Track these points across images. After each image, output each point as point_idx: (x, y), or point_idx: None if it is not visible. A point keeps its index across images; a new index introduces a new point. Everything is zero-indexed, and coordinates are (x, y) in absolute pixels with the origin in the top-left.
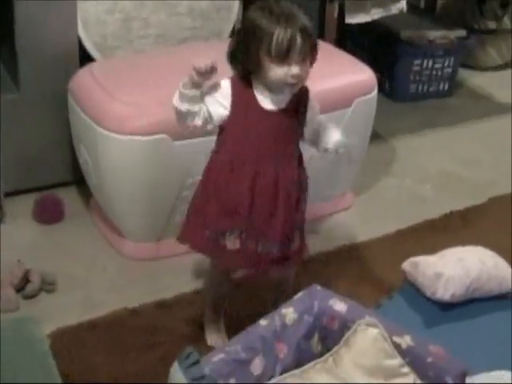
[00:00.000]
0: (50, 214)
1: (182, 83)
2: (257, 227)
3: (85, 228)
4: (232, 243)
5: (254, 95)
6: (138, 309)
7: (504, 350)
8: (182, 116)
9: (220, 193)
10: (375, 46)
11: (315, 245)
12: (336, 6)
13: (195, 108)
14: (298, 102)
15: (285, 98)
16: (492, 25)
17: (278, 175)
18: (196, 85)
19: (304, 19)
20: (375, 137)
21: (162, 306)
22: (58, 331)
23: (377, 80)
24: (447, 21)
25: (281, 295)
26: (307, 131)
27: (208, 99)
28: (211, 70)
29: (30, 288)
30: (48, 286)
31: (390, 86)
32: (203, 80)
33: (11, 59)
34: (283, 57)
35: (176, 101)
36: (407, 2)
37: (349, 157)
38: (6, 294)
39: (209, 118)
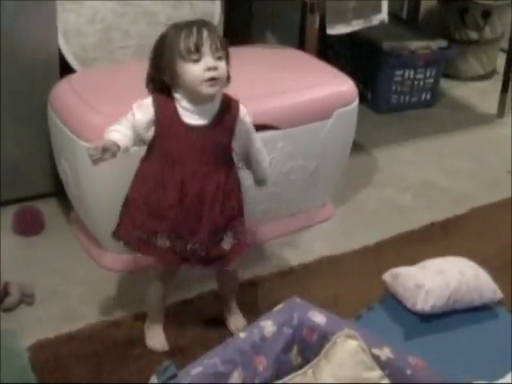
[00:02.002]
0: (29, 226)
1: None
2: (184, 230)
3: (65, 240)
4: (162, 242)
5: (177, 110)
6: (116, 321)
7: (485, 360)
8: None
9: (149, 199)
10: (357, 56)
11: (295, 256)
12: (317, 17)
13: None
14: (226, 117)
15: (210, 112)
16: (473, 35)
17: (204, 185)
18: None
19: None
20: (357, 147)
21: (140, 318)
22: (38, 344)
23: (358, 91)
24: (429, 31)
25: (229, 294)
26: (236, 145)
27: (134, 128)
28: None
29: (9, 301)
30: (27, 298)
31: (372, 96)
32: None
33: None
34: (195, 51)
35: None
36: (389, 13)
37: None
38: None
39: (141, 140)
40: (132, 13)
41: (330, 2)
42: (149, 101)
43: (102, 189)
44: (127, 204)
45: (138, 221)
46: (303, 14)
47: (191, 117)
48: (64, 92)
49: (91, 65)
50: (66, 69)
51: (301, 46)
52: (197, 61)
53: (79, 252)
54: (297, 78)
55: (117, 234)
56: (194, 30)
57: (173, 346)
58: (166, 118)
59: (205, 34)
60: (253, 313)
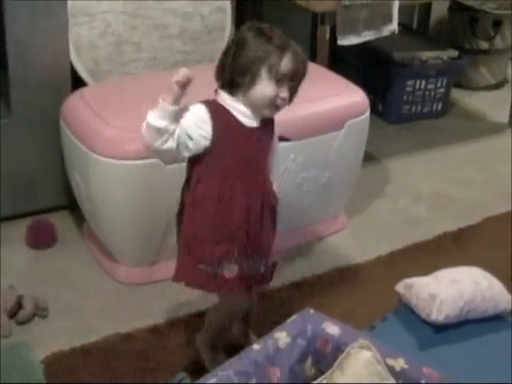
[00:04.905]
0: (42, 238)
1: (161, 98)
2: (252, 248)
3: (78, 253)
4: (230, 271)
5: (234, 115)
6: (130, 334)
7: (499, 371)
8: (156, 134)
9: (214, 221)
10: (368, 67)
11: (309, 267)
12: (328, 28)
13: (172, 126)
14: (269, 121)
15: (257, 117)
16: (484, 45)
17: (264, 195)
18: (176, 100)
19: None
20: (368, 158)
21: (154, 330)
22: (52, 356)
23: (370, 101)
24: (439, 41)
25: (249, 321)
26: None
27: (185, 123)
28: (189, 80)
29: (22, 314)
30: (41, 311)
31: (383, 107)
32: (183, 91)
33: (3, 84)
34: (287, 79)
35: (153, 117)
36: (399, 23)
37: None
38: None
39: (187, 142)
40: (143, 25)
41: (341, 13)
42: (201, 108)
43: (114, 201)
44: (182, 241)
45: (197, 255)
46: (314, 26)
47: (246, 119)
48: (76, 105)
49: (103, 78)
50: (77, 82)
51: (312, 57)
52: (278, 84)
53: (92, 265)
54: (308, 89)
55: (177, 276)
56: (299, 60)
57: (187, 359)
58: (224, 123)
59: (302, 69)
60: (266, 324)
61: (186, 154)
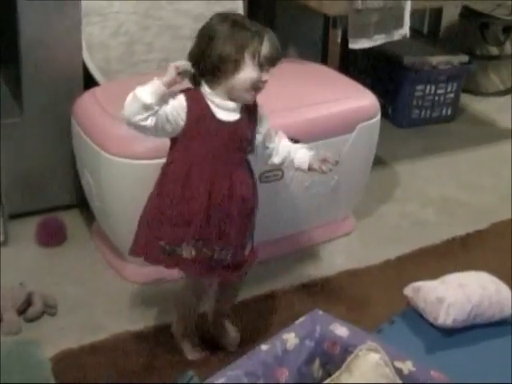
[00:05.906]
0: (52, 236)
1: (157, 78)
2: (212, 236)
3: (87, 251)
4: (188, 252)
5: (209, 107)
6: (139, 332)
7: (505, 375)
8: (139, 109)
9: (176, 203)
10: (378, 71)
11: (317, 269)
12: (339, 31)
13: (156, 106)
14: (249, 112)
15: (237, 108)
16: (494, 50)
17: (233, 185)
18: (169, 83)
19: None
20: (378, 162)
21: (163, 329)
22: (60, 354)
23: (380, 105)
24: (450, 46)
25: (223, 303)
26: (259, 139)
27: (167, 108)
28: (188, 72)
29: (32, 311)
30: (50, 308)
31: (393, 111)
32: (180, 80)
33: (15, 82)
34: (271, 64)
35: (143, 92)
36: (410, 28)
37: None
38: (8, 317)
39: (164, 125)
40: (155, 26)
41: (353, 17)
42: (181, 96)
43: (125, 201)
44: (146, 217)
45: (159, 232)
46: (325, 29)
47: (222, 113)
48: (88, 104)
49: (114, 77)
50: (89, 81)
51: (323, 60)
52: (260, 68)
53: (102, 263)
54: (319, 92)
55: (135, 250)
56: (276, 43)
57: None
58: (198, 113)
59: (280, 52)
60: (273, 326)
61: (162, 136)
